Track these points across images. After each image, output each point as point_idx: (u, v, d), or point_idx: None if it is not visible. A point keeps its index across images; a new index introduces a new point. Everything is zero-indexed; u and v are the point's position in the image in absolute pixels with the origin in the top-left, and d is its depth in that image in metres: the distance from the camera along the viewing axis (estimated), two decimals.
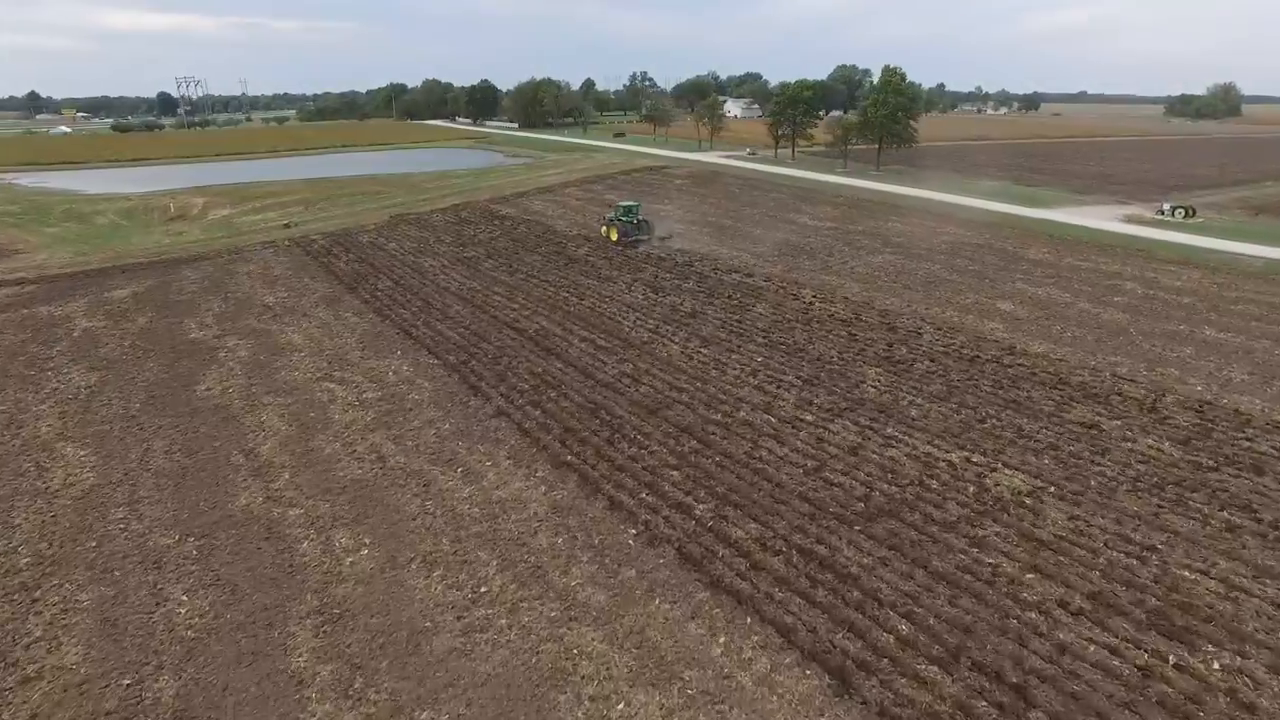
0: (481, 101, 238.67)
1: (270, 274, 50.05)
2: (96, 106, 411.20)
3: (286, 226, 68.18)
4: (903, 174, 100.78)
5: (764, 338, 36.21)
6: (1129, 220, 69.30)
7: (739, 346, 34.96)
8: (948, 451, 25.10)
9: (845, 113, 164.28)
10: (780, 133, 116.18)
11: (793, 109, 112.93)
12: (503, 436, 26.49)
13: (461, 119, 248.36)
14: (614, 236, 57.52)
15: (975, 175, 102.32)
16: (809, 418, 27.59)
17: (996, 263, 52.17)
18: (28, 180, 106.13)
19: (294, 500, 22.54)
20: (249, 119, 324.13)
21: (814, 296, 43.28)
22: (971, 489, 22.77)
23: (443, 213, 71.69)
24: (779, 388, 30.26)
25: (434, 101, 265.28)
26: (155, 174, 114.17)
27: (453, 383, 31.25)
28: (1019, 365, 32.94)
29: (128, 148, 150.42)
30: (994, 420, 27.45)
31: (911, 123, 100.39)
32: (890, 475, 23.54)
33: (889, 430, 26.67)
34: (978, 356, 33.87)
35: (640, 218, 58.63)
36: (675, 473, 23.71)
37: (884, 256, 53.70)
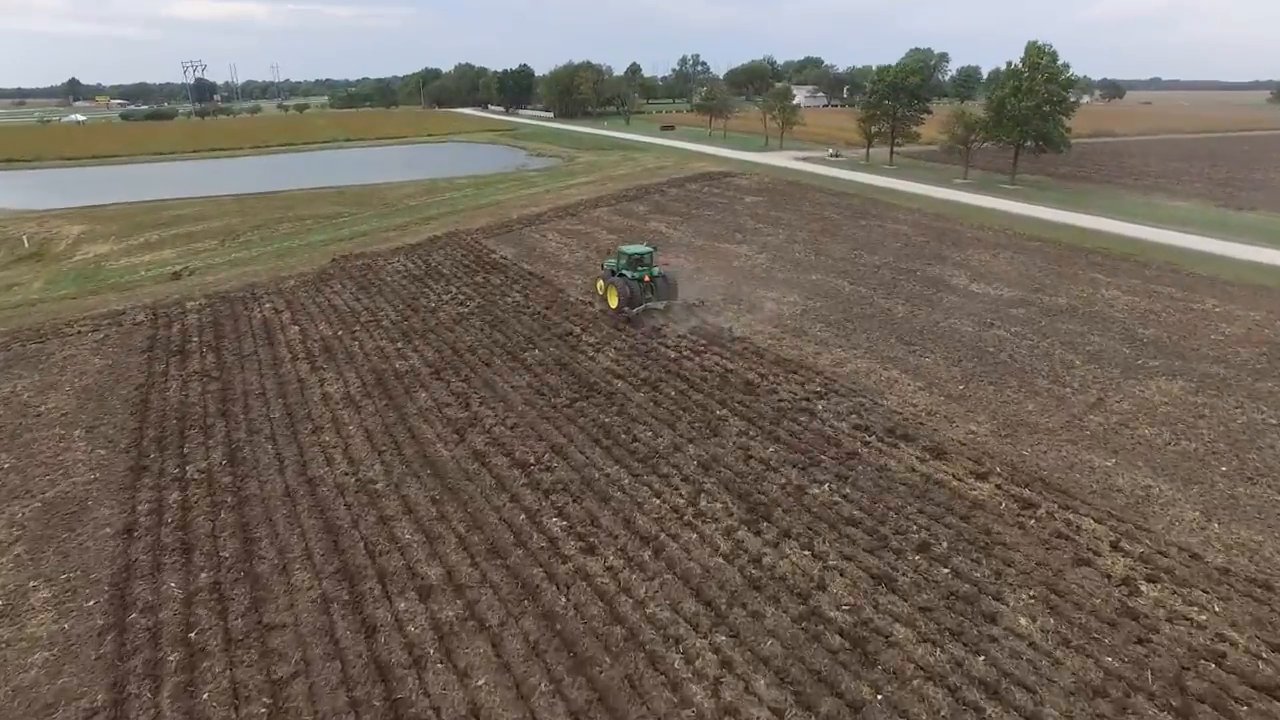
0: (514, 88, 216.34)
1: (32, 408, 27.55)
2: (135, 94, 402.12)
3: (175, 276, 46.19)
4: (1050, 190, 74.55)
5: None
6: None
7: None
8: None
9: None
10: (875, 129, 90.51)
11: (893, 99, 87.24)
12: None
13: (493, 107, 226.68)
14: (613, 301, 35.62)
15: (1145, 190, 75.72)
16: None
17: None
18: None
19: None
20: (280, 106, 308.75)
21: (1112, 545, 18.85)
22: None
23: (407, 254, 48.70)
24: None
25: (465, 88, 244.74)
26: (93, 176, 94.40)
27: None
28: None
29: (99, 141, 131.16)
30: None
31: (1064, 120, 73.83)
32: None
33: None
34: None
35: (657, 271, 36.05)
36: None
37: (1161, 382, 28.88)
